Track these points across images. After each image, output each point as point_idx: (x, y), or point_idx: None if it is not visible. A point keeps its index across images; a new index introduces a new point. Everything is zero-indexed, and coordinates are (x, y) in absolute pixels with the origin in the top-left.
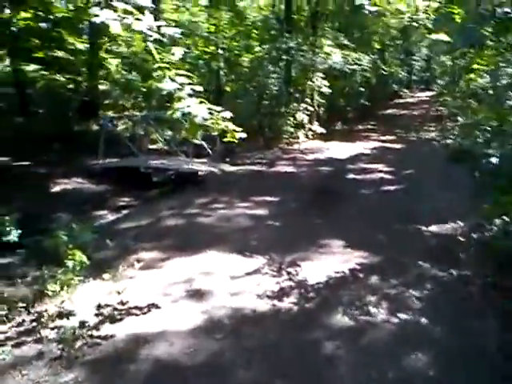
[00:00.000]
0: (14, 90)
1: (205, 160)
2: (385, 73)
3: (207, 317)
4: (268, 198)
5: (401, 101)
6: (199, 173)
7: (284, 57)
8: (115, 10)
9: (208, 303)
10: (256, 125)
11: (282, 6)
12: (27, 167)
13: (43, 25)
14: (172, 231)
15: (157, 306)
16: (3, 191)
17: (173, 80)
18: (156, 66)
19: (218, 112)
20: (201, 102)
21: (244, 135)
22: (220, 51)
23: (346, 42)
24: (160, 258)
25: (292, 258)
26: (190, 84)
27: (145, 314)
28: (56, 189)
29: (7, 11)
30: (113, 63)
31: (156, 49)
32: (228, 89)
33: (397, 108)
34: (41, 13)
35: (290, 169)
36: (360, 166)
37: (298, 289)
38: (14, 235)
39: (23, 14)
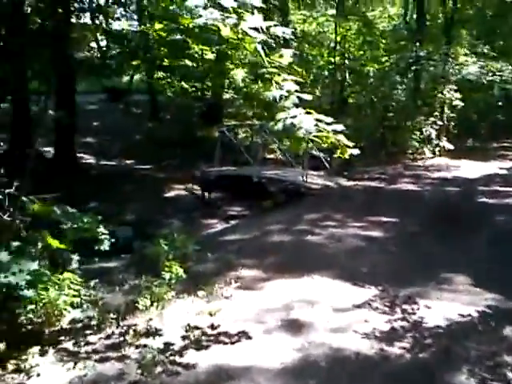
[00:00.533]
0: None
1: (321, 173)
2: None
3: (302, 355)
4: (385, 219)
5: None
6: (313, 186)
7: (413, 67)
8: (224, 10)
9: (305, 338)
10: (379, 138)
11: (415, 16)
12: (148, 171)
13: (178, 37)
14: (277, 248)
15: (248, 336)
16: (123, 194)
17: (279, 87)
18: (263, 70)
19: (329, 124)
20: (307, 113)
21: (356, 151)
22: (346, 61)
23: (485, 50)
24: (260, 277)
25: (408, 293)
26: (298, 91)
27: (233, 343)
28: (170, 194)
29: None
30: (237, 72)
31: (264, 51)
32: (352, 100)
33: None
34: (172, 24)
35: (411, 187)
36: (493, 188)
37: (412, 331)
38: (106, 245)
39: (157, 26)
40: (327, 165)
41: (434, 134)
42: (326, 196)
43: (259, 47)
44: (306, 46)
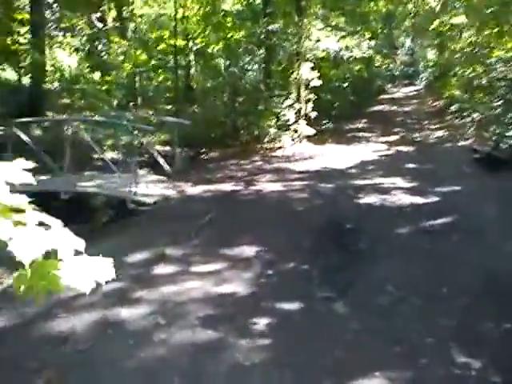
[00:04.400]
0: None
1: (160, 177)
2: (377, 65)
3: None
4: (247, 250)
5: (386, 96)
6: (146, 199)
7: (263, 45)
8: None
9: None
10: (230, 126)
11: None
12: None
13: None
14: (53, 362)
15: None
16: None
17: None
18: None
19: None
20: None
21: None
22: (190, 44)
23: (340, 23)
24: None
25: None
26: None
27: None
28: None
29: None
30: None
31: None
32: (198, 85)
33: (385, 104)
34: None
35: (275, 187)
36: (371, 181)
37: None
38: None
39: None
40: (167, 166)
41: (291, 118)
42: (164, 213)
43: None
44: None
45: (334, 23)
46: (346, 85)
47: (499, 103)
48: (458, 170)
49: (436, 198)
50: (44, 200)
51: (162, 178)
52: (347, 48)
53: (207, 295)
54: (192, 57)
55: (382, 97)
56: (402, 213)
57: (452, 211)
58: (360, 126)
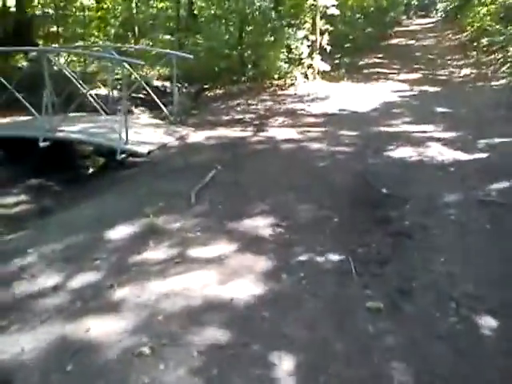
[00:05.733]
0: None
1: (158, 120)
2: None
3: None
4: (261, 226)
5: (401, 29)
6: (140, 148)
7: None
8: None
9: None
10: (237, 59)
11: None
12: None
13: None
14: None
15: None
16: None
17: None
18: None
19: None
20: None
21: None
22: None
23: None
24: None
25: None
26: None
27: None
28: None
29: None
30: None
31: None
32: (201, 13)
33: (402, 37)
34: None
35: (289, 134)
36: (400, 128)
37: None
38: None
39: None
40: (163, 107)
41: (305, 51)
42: (160, 166)
43: None
44: None
45: None
46: (362, 16)
47: None
48: (501, 115)
49: (484, 154)
50: (17, 149)
51: (159, 121)
52: None
53: (210, 301)
54: None
55: (397, 29)
56: (447, 173)
57: (510, 172)
58: (377, 60)
